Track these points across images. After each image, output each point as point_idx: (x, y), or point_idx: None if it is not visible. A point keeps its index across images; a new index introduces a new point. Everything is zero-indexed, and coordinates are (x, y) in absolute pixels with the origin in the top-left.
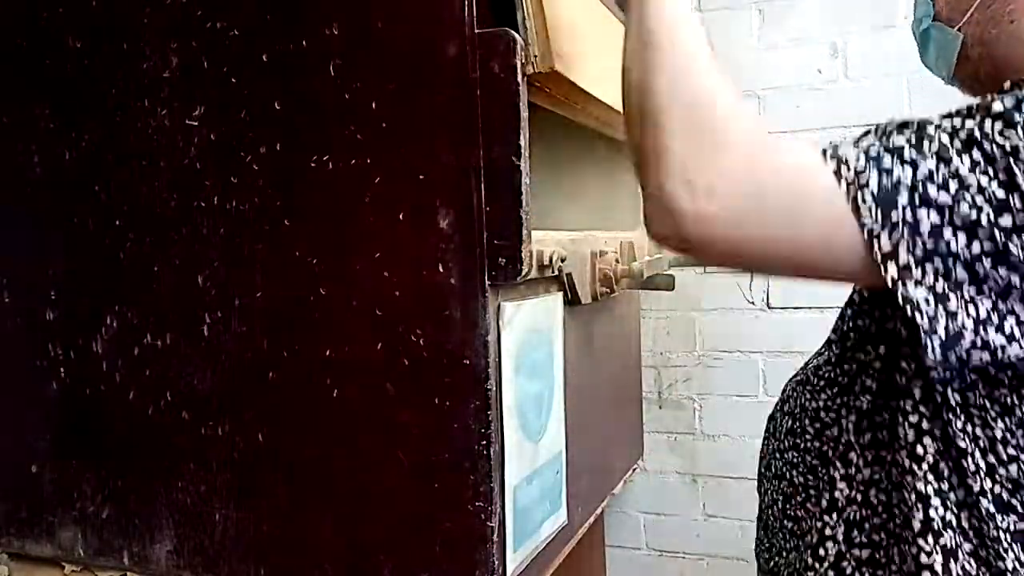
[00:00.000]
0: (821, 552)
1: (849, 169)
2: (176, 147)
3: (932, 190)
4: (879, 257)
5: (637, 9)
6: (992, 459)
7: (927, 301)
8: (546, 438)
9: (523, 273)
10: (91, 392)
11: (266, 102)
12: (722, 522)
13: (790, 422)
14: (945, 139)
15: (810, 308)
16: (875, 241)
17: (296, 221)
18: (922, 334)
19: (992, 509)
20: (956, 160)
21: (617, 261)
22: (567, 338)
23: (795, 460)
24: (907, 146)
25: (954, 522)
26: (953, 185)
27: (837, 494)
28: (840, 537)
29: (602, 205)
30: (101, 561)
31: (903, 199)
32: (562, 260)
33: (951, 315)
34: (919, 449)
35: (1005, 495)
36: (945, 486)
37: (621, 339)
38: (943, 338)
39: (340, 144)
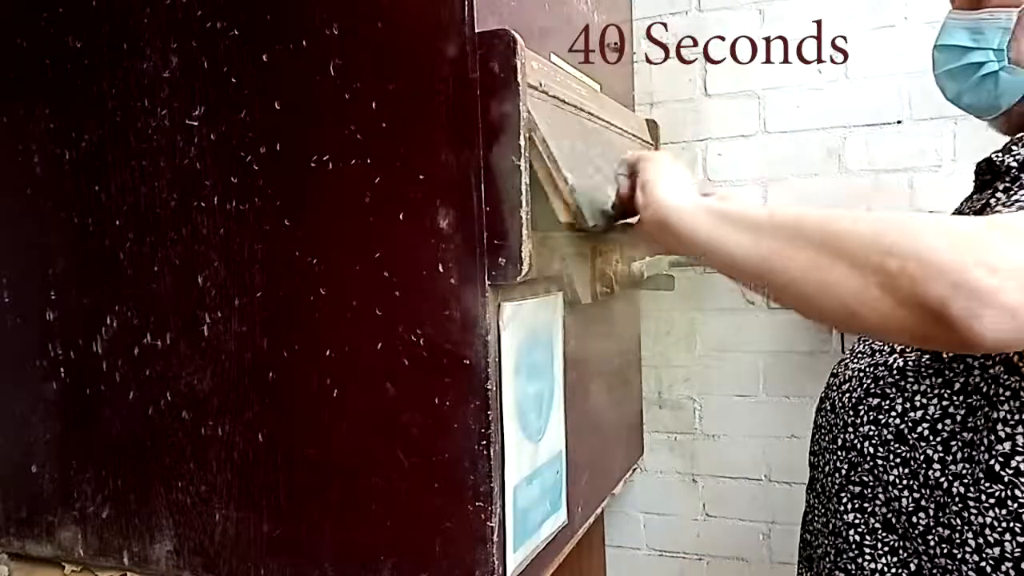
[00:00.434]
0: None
1: None
2: (176, 147)
3: None
4: None
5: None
6: None
7: None
8: (546, 438)
9: (523, 273)
10: (91, 392)
11: (266, 102)
12: (722, 522)
13: (874, 400)
14: None
15: None
16: None
17: (296, 221)
18: None
19: None
20: None
21: (617, 261)
22: (567, 338)
23: (871, 433)
24: None
25: None
26: None
27: (931, 473)
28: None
29: None
30: (101, 561)
31: None
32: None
33: None
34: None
35: None
36: None
37: (621, 339)
38: None
39: (340, 144)
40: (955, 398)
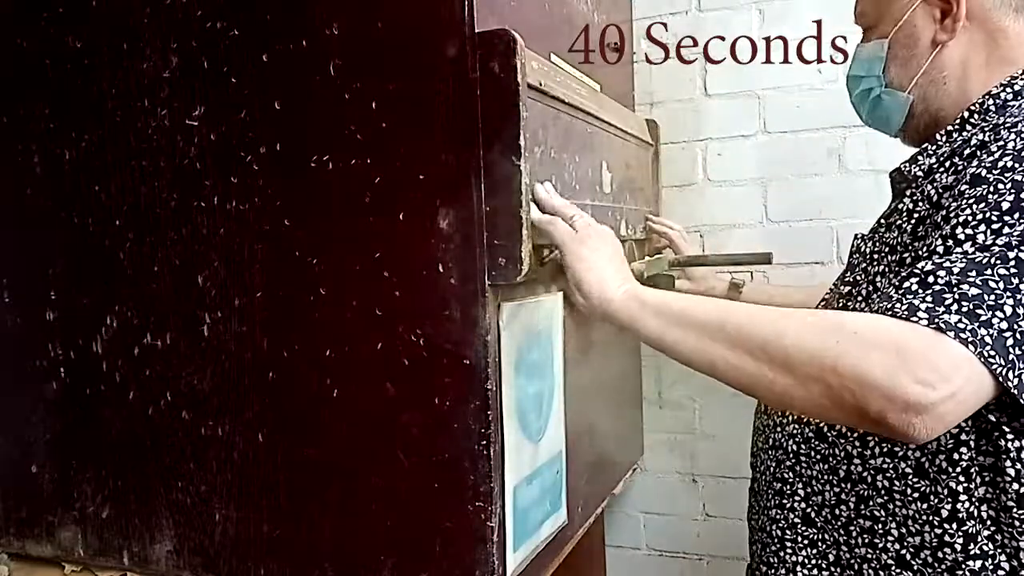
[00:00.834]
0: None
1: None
2: (176, 147)
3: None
4: (1014, 390)
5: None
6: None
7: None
8: (546, 438)
9: (523, 273)
10: (91, 392)
11: (266, 102)
12: (722, 522)
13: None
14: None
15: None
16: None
17: (296, 221)
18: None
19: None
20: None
21: None
22: (567, 338)
23: (795, 432)
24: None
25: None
26: None
27: (853, 468)
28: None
29: None
30: (101, 561)
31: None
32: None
33: None
34: (955, 455)
35: None
36: (973, 485)
37: (621, 339)
38: None
39: (340, 144)
40: None
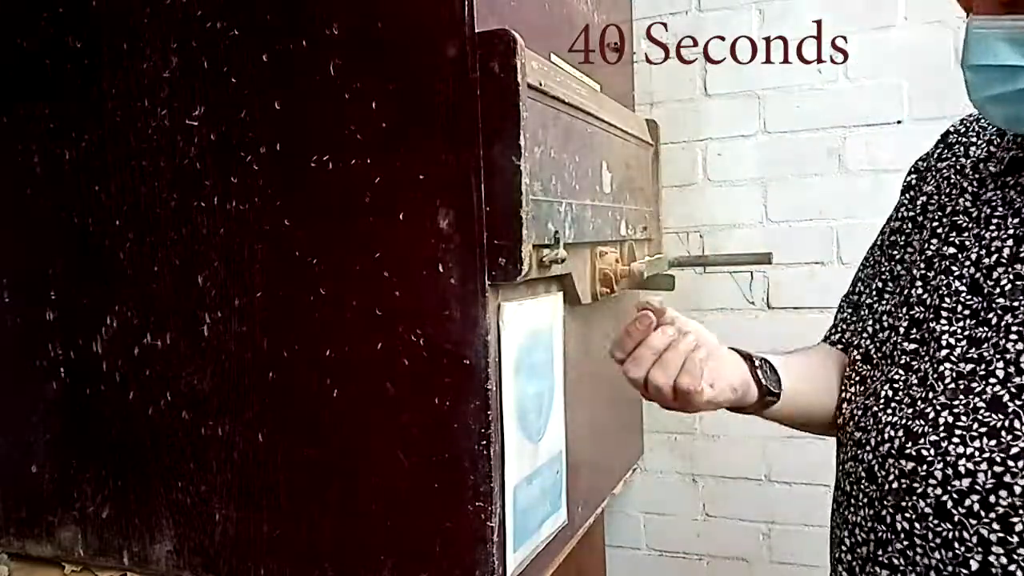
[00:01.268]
0: None
1: None
2: (176, 147)
3: None
4: None
5: None
6: None
7: None
8: (546, 438)
9: (523, 273)
10: (91, 392)
11: (266, 102)
12: (722, 522)
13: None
14: None
15: (810, 308)
16: None
17: (296, 221)
18: None
19: None
20: None
21: (617, 261)
22: (567, 338)
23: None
24: None
25: None
26: None
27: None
28: None
29: None
30: (101, 561)
31: None
32: (562, 260)
33: None
34: None
35: None
36: None
37: None
38: None
39: (340, 144)
40: None
